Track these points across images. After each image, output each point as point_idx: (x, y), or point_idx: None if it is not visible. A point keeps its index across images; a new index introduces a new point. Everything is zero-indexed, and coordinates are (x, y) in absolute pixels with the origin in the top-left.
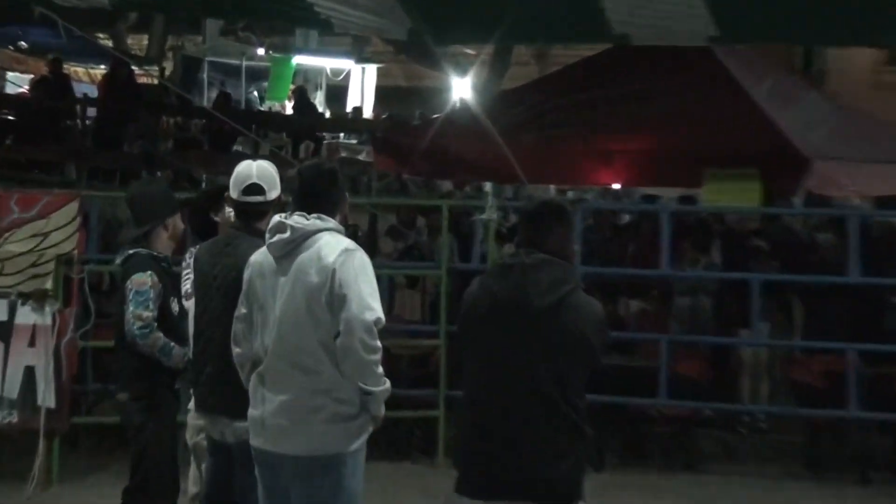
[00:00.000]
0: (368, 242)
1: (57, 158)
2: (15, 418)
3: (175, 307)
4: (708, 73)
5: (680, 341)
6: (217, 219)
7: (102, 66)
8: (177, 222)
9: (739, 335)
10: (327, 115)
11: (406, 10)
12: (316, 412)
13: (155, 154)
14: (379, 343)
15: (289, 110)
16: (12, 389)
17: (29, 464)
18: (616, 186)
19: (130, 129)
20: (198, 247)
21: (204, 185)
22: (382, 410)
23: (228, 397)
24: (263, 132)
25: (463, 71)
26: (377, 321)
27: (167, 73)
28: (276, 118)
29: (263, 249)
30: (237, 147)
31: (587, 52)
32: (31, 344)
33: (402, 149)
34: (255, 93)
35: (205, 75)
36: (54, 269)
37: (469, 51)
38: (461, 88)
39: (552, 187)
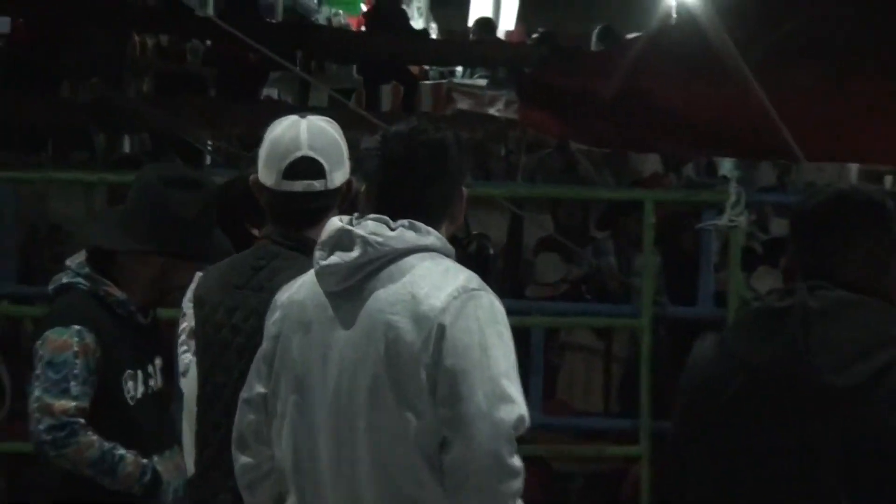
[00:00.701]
0: (508, 266)
1: None
2: None
3: (132, 388)
4: None
5: None
6: (257, 233)
7: None
8: (180, 267)
9: None
10: (433, 33)
11: None
12: None
13: (118, 102)
14: (520, 462)
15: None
16: None
17: None
18: None
19: (73, 58)
20: (201, 275)
21: (208, 160)
22: None
23: None
24: (318, 64)
25: None
26: (519, 422)
27: None
28: (341, 39)
29: (307, 279)
30: (269, 91)
31: None
32: None
33: (570, 97)
34: None
35: None
36: None
37: None
38: None
39: (853, 168)
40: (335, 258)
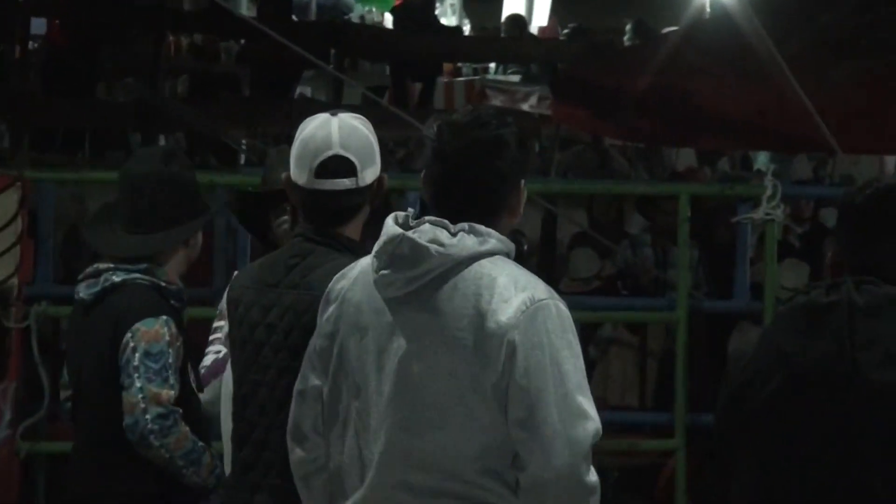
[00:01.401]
0: (542, 262)
1: None
2: None
3: (193, 379)
4: None
5: None
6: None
7: None
8: (197, 236)
9: None
10: (466, 30)
11: None
12: None
13: (154, 102)
14: (596, 476)
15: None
16: None
17: None
18: None
19: (109, 59)
20: (235, 275)
21: (242, 159)
22: None
23: None
24: (351, 62)
25: None
26: (595, 437)
27: None
28: (374, 37)
29: (361, 274)
30: (303, 89)
31: None
32: None
33: (604, 93)
34: None
35: None
36: None
37: None
38: None
39: (890, 160)
40: (393, 271)
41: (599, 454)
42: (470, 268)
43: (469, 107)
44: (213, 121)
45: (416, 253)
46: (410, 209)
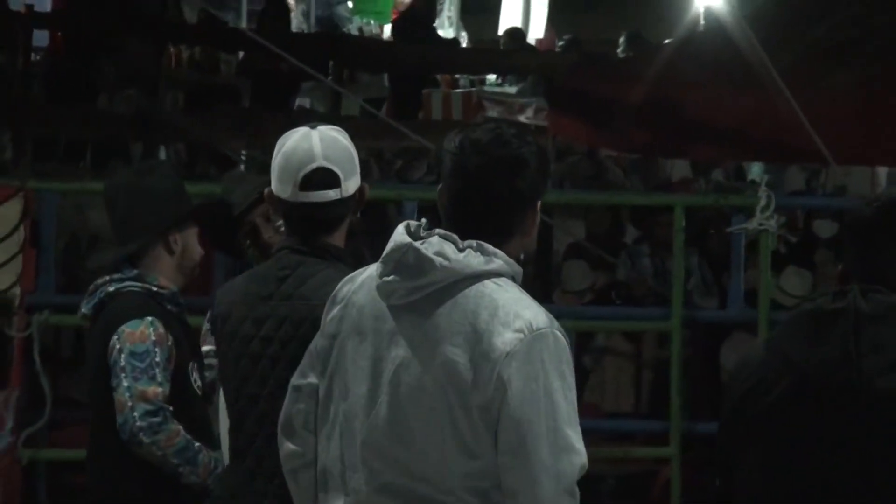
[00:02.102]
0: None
1: None
2: None
3: (196, 380)
4: None
5: None
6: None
7: None
8: (189, 240)
9: None
10: (463, 42)
11: None
12: None
13: (154, 114)
14: None
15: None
16: None
17: None
18: None
19: (109, 70)
20: (222, 288)
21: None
22: None
23: None
24: (350, 74)
25: None
26: (581, 472)
27: None
28: (372, 49)
29: (367, 279)
30: (302, 101)
31: None
32: None
33: (599, 104)
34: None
35: None
36: None
37: None
38: None
39: (883, 171)
40: (396, 278)
41: (594, 461)
42: (473, 286)
43: (491, 123)
44: (213, 132)
45: (421, 264)
46: (423, 219)
